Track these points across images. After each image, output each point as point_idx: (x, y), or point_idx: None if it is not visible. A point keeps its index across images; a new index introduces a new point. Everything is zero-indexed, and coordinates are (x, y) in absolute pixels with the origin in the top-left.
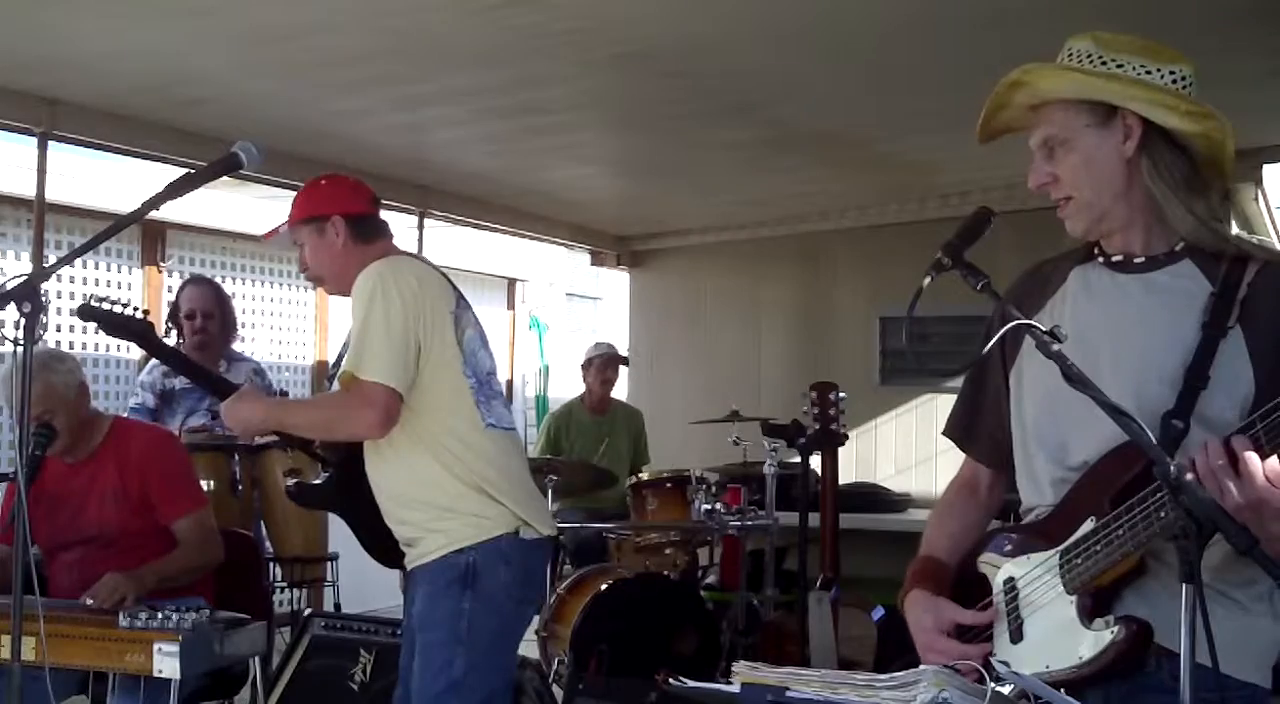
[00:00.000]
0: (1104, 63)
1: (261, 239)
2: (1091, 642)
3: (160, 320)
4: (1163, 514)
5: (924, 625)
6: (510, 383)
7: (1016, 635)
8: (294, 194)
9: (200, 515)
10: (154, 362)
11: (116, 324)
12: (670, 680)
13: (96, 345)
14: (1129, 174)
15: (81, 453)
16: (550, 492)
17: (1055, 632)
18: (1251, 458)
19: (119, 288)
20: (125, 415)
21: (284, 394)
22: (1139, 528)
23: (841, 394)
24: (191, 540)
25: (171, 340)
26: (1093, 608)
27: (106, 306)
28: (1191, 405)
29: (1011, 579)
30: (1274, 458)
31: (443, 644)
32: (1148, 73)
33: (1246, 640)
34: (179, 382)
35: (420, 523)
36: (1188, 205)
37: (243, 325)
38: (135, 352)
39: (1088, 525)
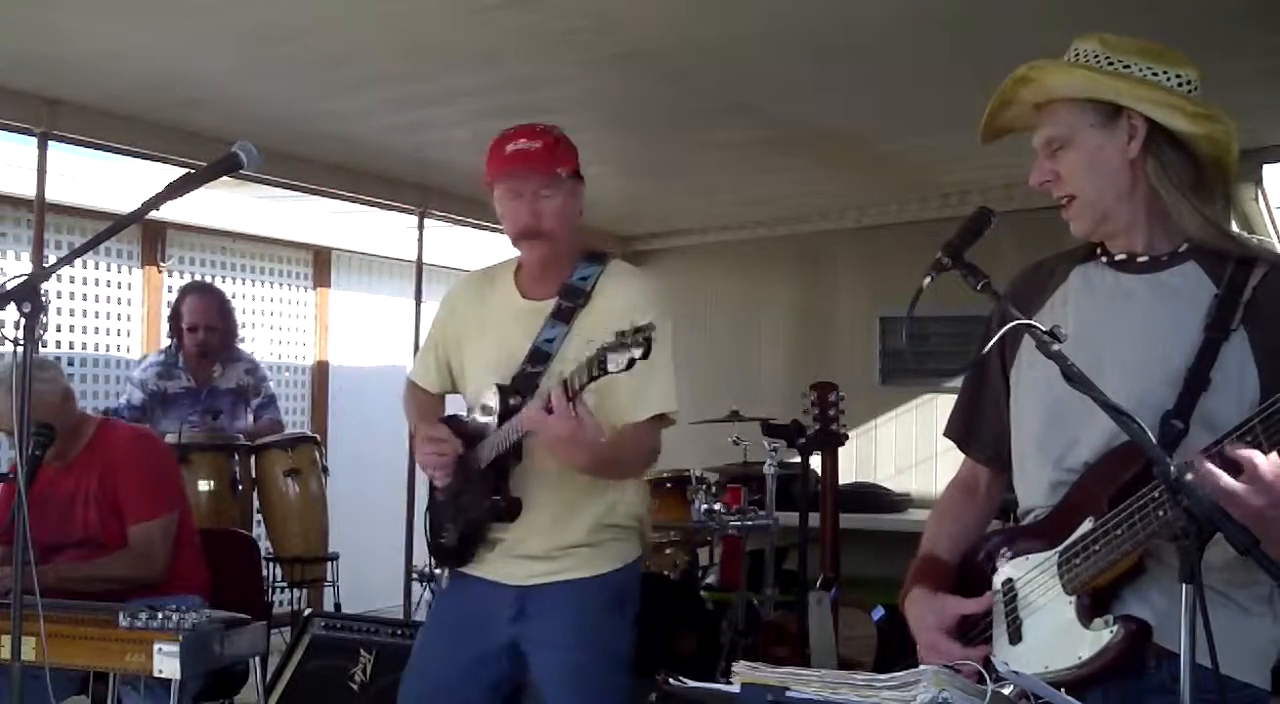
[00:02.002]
0: (1110, 63)
1: (540, 175)
2: (1090, 641)
3: (152, 323)
4: (1161, 513)
5: (926, 624)
6: None
7: (1015, 636)
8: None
9: (155, 525)
10: (150, 361)
11: None
12: (670, 680)
13: (96, 346)
14: (1133, 175)
15: (69, 456)
16: None
17: (1054, 632)
18: (1254, 457)
19: (119, 288)
20: (113, 409)
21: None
22: (1138, 527)
23: (841, 394)
24: (135, 549)
25: (166, 343)
26: (1092, 608)
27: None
28: (1192, 406)
29: (1010, 581)
30: (1274, 454)
31: (617, 663)
32: (1154, 74)
33: (1246, 641)
34: (172, 385)
35: (589, 541)
36: (1195, 206)
37: (242, 326)
38: (132, 352)
39: (1086, 525)
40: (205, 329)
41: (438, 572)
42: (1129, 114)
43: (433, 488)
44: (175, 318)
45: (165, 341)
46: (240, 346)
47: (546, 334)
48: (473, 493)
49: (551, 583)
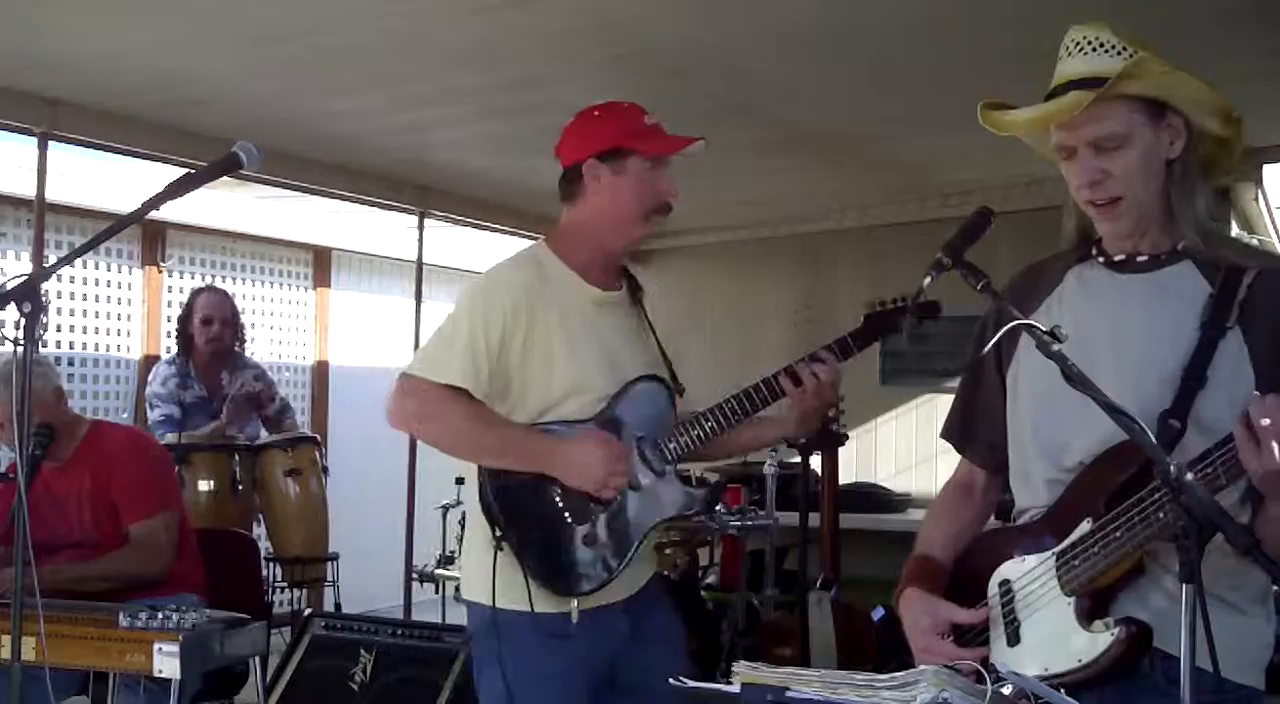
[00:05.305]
0: (1128, 54)
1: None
2: (1090, 643)
3: (152, 323)
4: (1161, 515)
5: (920, 626)
6: None
7: (1013, 638)
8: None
9: (158, 521)
10: (167, 373)
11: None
12: (670, 680)
13: (95, 346)
14: (1166, 175)
15: (63, 456)
16: None
17: (1053, 634)
18: None
19: (119, 288)
20: (148, 426)
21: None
22: (1137, 529)
23: (841, 394)
24: (138, 547)
25: (171, 353)
26: (1091, 610)
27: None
28: (1189, 405)
29: (1007, 582)
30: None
31: None
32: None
33: (1241, 642)
34: (188, 395)
35: None
36: (1197, 209)
37: (251, 326)
38: (132, 352)
39: (1085, 526)
40: (221, 323)
41: (565, 607)
42: (1171, 113)
43: (535, 515)
44: (186, 320)
45: (171, 351)
46: (247, 355)
47: (637, 326)
48: (645, 494)
49: (649, 576)
